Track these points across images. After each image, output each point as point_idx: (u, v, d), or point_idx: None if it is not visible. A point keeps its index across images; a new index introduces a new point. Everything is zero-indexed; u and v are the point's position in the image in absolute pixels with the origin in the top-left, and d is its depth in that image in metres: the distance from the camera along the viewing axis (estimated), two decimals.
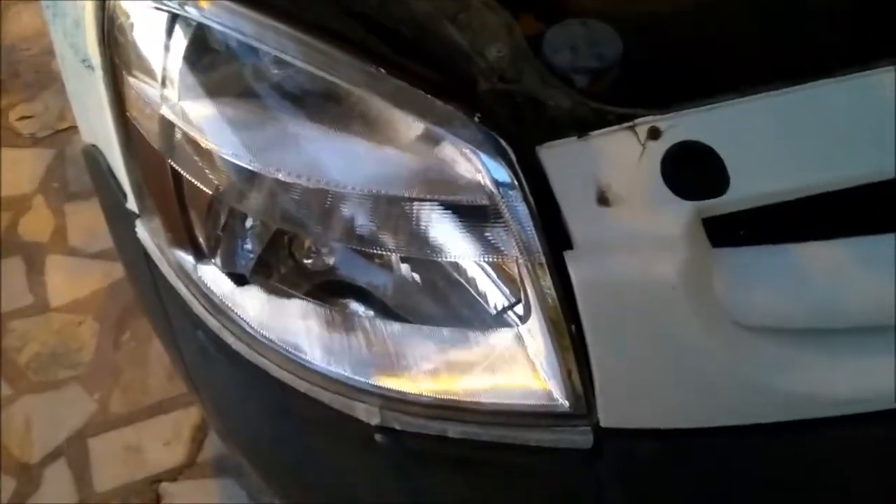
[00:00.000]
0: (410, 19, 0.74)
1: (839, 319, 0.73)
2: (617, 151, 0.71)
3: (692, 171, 0.71)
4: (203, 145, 0.73)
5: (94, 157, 0.93)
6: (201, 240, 0.81)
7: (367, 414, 0.78)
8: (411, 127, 0.72)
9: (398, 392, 0.77)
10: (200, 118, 0.73)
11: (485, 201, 0.70)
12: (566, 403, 0.75)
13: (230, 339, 0.81)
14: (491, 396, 0.77)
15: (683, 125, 0.71)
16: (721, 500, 0.77)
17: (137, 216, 0.87)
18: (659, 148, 0.71)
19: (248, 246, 0.83)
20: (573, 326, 0.71)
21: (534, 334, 0.76)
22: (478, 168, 0.70)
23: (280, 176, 0.71)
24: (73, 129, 1.00)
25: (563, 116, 0.72)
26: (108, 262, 1.78)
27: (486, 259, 0.76)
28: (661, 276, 0.69)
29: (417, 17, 0.75)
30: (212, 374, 0.88)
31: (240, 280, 0.82)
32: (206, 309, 0.82)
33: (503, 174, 0.69)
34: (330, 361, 0.78)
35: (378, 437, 0.79)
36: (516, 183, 0.69)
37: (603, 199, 0.70)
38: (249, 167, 0.71)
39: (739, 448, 0.75)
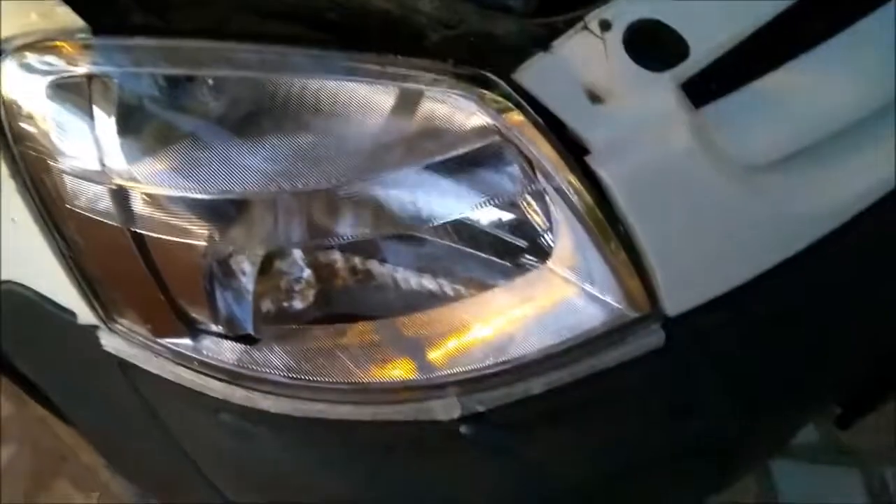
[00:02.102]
0: (330, 5, 0.71)
1: (819, 129, 0.77)
2: (583, 52, 0.71)
3: (653, 45, 0.73)
4: (176, 197, 0.66)
5: (8, 296, 0.80)
6: (194, 315, 0.73)
7: (447, 409, 0.73)
8: (381, 99, 0.69)
9: (470, 371, 0.72)
10: (160, 172, 0.66)
11: (494, 138, 0.67)
12: (629, 309, 0.73)
13: (266, 404, 0.73)
14: (556, 336, 0.74)
15: (626, 10, 0.72)
16: (796, 339, 0.79)
17: (96, 328, 0.76)
18: (616, 36, 0.72)
19: (246, 303, 0.75)
20: (617, 227, 0.70)
21: (566, 260, 0.74)
22: (473, 111, 0.67)
23: (290, 188, 0.65)
24: None
25: (519, 40, 0.71)
26: None
27: (505, 199, 0.73)
28: (678, 144, 0.71)
29: (337, 0, 0.71)
30: (252, 455, 0.79)
31: (248, 340, 0.74)
32: (227, 383, 0.73)
33: (504, 105, 0.67)
34: (388, 373, 0.72)
35: (463, 428, 0.74)
36: (519, 109, 0.67)
37: (595, 98, 0.70)
38: (253, 193, 0.66)
39: (790, 285, 0.77)
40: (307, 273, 0.82)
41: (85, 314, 0.76)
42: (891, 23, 0.78)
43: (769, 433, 0.86)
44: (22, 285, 0.79)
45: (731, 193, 0.73)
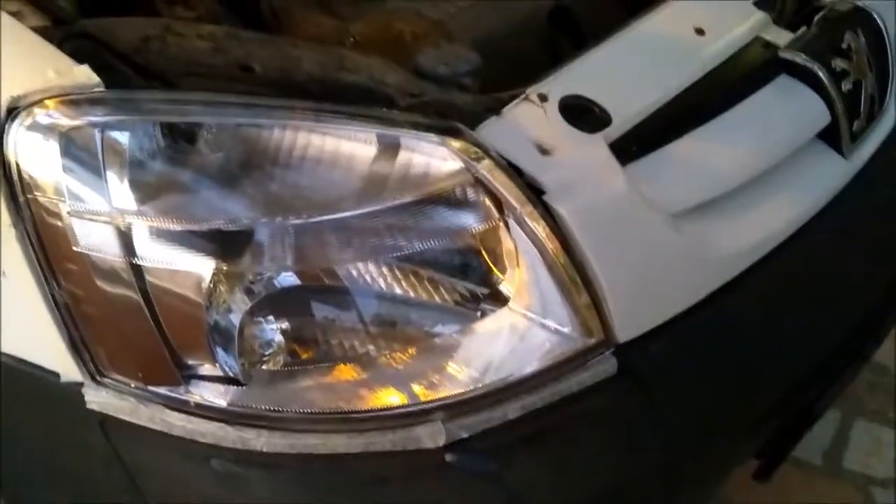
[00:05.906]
0: (310, 79, 0.82)
1: (722, 184, 0.92)
2: (528, 116, 0.84)
3: (583, 113, 0.87)
4: (182, 228, 0.71)
5: None
6: (189, 361, 0.75)
7: (433, 436, 0.77)
8: (364, 151, 0.78)
9: (455, 396, 0.78)
10: (164, 210, 0.71)
11: (465, 178, 0.77)
12: (583, 336, 0.81)
13: (260, 443, 0.75)
14: (523, 364, 0.81)
15: (557, 86, 0.87)
16: (728, 365, 0.89)
17: (80, 385, 0.77)
18: (552, 105, 0.86)
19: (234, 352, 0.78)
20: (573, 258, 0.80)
21: (525, 295, 0.82)
22: (445, 155, 0.77)
23: (285, 221, 0.72)
24: None
25: (473, 108, 0.84)
26: None
27: (472, 232, 0.81)
28: (617, 189, 0.83)
29: (315, 75, 0.82)
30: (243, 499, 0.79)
31: (239, 382, 0.77)
32: (221, 423, 0.75)
33: (472, 150, 0.77)
34: (377, 401, 0.77)
35: (449, 456, 0.78)
36: (486, 154, 0.78)
37: (544, 151, 0.82)
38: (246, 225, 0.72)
39: (717, 316, 0.88)
40: (278, 339, 0.87)
41: (69, 371, 0.77)
42: (774, 99, 0.96)
43: (709, 463, 0.93)
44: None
45: (662, 232, 0.85)
